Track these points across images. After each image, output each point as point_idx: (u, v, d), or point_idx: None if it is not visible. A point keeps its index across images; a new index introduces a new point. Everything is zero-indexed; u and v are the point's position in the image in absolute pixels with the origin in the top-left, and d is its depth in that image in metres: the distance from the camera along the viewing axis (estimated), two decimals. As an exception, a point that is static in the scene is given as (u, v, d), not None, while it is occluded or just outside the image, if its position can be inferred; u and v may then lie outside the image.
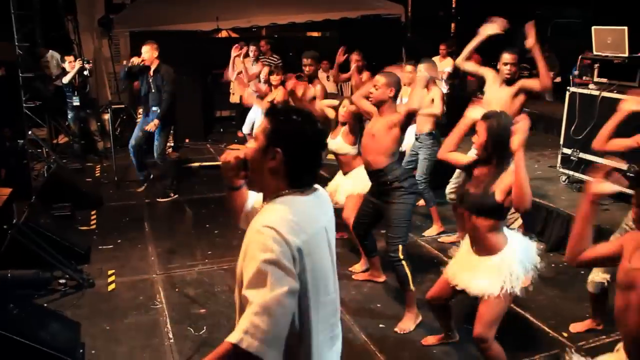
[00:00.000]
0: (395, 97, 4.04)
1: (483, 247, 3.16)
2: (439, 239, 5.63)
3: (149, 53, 6.61)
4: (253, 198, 1.99)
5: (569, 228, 5.12)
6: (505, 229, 3.23)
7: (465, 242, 3.35)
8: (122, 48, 9.95)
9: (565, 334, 3.90)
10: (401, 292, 4.49)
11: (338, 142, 4.78)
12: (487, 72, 4.89)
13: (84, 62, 8.18)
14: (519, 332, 3.94)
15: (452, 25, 14.95)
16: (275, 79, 6.71)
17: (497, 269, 3.10)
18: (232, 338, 1.56)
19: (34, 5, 8.79)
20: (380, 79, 4.00)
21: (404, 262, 3.99)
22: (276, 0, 10.25)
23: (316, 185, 1.82)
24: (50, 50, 9.15)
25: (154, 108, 6.66)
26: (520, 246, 3.19)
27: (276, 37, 11.42)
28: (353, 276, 4.80)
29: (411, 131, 5.95)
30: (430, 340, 3.84)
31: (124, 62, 7.30)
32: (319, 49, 10.91)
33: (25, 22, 8.75)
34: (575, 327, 3.95)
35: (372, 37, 9.85)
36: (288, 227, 1.61)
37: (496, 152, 3.06)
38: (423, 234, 5.72)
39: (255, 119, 7.51)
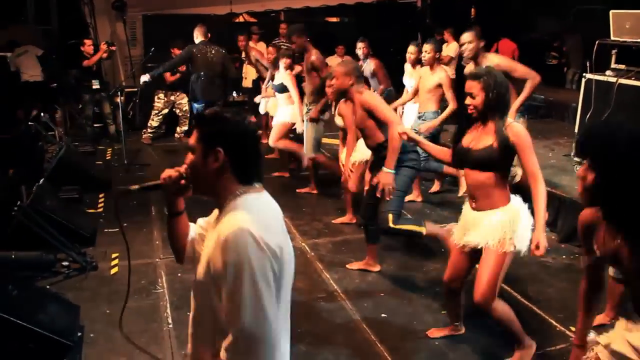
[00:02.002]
0: (357, 83, 4.09)
1: (487, 203, 3.08)
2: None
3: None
4: (194, 226, 1.99)
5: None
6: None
7: (466, 205, 3.26)
8: (136, 32, 9.94)
9: (573, 328, 3.79)
10: (404, 281, 4.46)
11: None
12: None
13: (108, 45, 8.18)
14: (524, 325, 3.82)
15: (472, 10, 14.70)
16: (297, 68, 6.61)
17: (501, 222, 3.03)
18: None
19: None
20: (337, 68, 4.13)
21: (398, 226, 4.02)
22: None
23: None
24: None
25: None
26: (523, 206, 3.10)
27: (290, 22, 11.35)
28: (347, 265, 4.72)
29: (412, 110, 5.91)
30: (435, 332, 3.75)
31: None
32: (336, 34, 10.90)
33: (41, 5, 8.80)
34: None
35: (389, 23, 9.74)
36: (265, 230, 1.63)
37: (498, 108, 2.97)
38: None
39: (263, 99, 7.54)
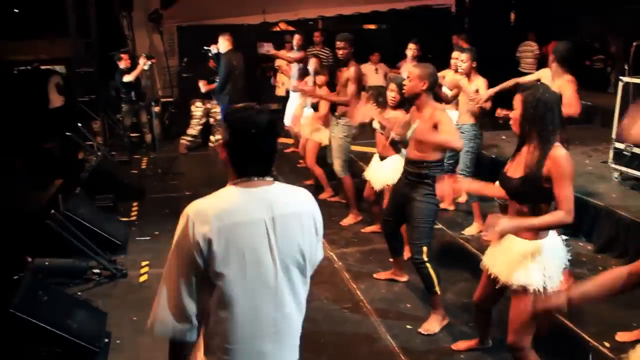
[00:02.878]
0: (430, 89, 3.86)
1: (523, 234, 2.85)
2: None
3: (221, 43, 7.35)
4: None
5: (619, 227, 4.82)
6: None
7: None
8: (165, 41, 10.15)
9: (607, 344, 3.64)
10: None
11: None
12: (540, 74, 4.67)
13: (148, 58, 8.36)
14: (555, 339, 3.72)
15: (512, 15, 14.46)
16: (320, 79, 6.56)
17: (532, 257, 2.81)
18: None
19: (89, 2, 9.07)
20: (412, 70, 3.86)
21: (428, 265, 3.83)
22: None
23: (269, 179, 1.84)
24: None
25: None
26: (558, 242, 2.90)
27: (329, 29, 11.38)
28: (374, 275, 4.68)
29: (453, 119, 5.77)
30: (461, 345, 3.67)
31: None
32: (372, 41, 10.87)
33: (81, 19, 9.06)
34: (622, 337, 3.67)
35: (423, 29, 9.65)
36: (201, 217, 1.70)
37: (536, 128, 2.75)
38: (462, 231, 5.51)
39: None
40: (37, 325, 3.36)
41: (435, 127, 3.72)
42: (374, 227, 5.59)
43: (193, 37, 8.52)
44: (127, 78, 8.12)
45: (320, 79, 6.37)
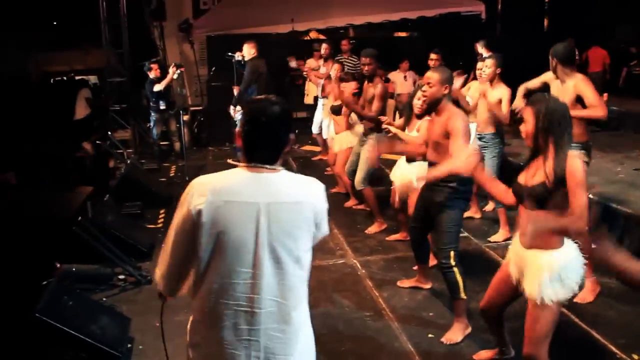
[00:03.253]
0: (450, 94, 3.83)
1: (538, 242, 2.81)
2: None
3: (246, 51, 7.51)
4: None
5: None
6: None
7: (516, 239, 3.00)
8: (202, 52, 10.31)
9: (636, 356, 3.53)
10: (455, 301, 4.30)
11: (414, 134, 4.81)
12: (545, 77, 4.54)
13: (177, 67, 8.50)
14: (581, 350, 3.63)
15: (545, 21, 14.26)
16: (350, 86, 6.49)
17: (549, 269, 2.76)
18: None
19: (122, 13, 9.31)
20: (433, 75, 3.82)
21: (455, 269, 3.79)
22: (352, 0, 10.19)
23: (278, 168, 1.94)
24: None
25: None
26: (576, 250, 2.83)
27: (359, 37, 11.40)
28: (398, 283, 4.64)
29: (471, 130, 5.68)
30: (482, 355, 3.60)
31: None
32: (402, 49, 10.85)
33: (113, 29, 9.29)
34: None
35: (454, 36, 9.58)
36: (200, 189, 1.86)
37: (553, 137, 2.73)
38: (489, 239, 5.43)
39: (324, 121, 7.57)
40: (61, 330, 3.43)
41: (446, 135, 3.70)
42: (399, 235, 5.55)
43: (222, 47, 8.60)
44: (157, 87, 8.24)
45: (350, 85, 6.30)
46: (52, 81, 15.42)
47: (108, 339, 3.62)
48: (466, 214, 5.87)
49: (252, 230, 1.84)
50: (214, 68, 8.60)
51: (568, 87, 4.15)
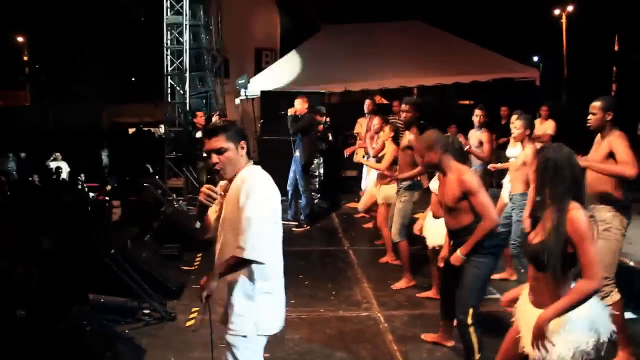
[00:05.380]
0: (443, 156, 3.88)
1: (543, 301, 2.68)
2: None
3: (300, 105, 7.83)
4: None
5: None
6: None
7: (524, 294, 2.89)
8: (255, 107, 10.73)
9: None
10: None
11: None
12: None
13: (221, 117, 8.91)
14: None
15: (613, 86, 14.00)
16: (386, 134, 6.66)
17: (557, 332, 2.60)
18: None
19: (184, 69, 9.90)
20: (418, 145, 4.03)
21: (471, 329, 3.67)
22: (405, 63, 10.42)
23: None
24: None
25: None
26: (592, 308, 2.64)
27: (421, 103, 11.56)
28: (422, 336, 4.52)
29: (505, 192, 5.59)
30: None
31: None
32: (453, 112, 10.88)
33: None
34: None
35: (508, 101, 9.56)
36: (273, 187, 2.73)
37: (548, 189, 2.67)
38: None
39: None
40: (77, 353, 3.57)
41: (464, 196, 3.69)
42: (430, 293, 5.42)
43: (276, 102, 8.97)
44: (198, 134, 8.62)
45: (386, 134, 6.43)
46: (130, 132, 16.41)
47: (120, 367, 3.72)
48: (500, 276, 5.74)
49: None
50: (262, 121, 8.91)
51: (604, 143, 4.05)
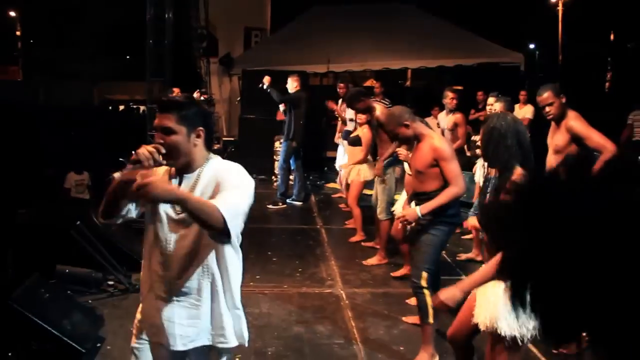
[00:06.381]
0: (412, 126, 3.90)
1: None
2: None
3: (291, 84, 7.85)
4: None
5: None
6: None
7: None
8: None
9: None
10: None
11: None
12: None
13: (202, 94, 8.91)
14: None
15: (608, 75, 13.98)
16: (360, 117, 6.68)
17: (505, 299, 2.63)
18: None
19: (167, 46, 9.86)
20: (387, 122, 4.11)
21: (425, 291, 3.72)
22: (390, 45, 10.40)
23: None
24: None
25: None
26: None
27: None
28: (403, 318, 4.51)
29: (478, 174, 5.66)
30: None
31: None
32: (437, 96, 10.90)
33: (159, 61, 9.84)
34: None
35: (492, 86, 9.57)
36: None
37: (494, 157, 2.81)
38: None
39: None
40: (30, 320, 3.63)
41: (436, 163, 3.73)
42: (404, 270, 5.43)
43: (257, 81, 8.98)
44: None
45: (361, 117, 6.44)
46: (110, 108, 16.37)
47: (76, 334, 3.78)
48: (467, 256, 5.82)
49: None
50: (238, 99, 8.93)
51: (562, 128, 4.10)
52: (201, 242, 2.23)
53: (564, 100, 4.04)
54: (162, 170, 2.33)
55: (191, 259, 2.24)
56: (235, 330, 2.36)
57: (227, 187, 2.16)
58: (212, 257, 2.26)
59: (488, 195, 2.95)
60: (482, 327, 2.80)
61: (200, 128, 2.22)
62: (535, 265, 0.88)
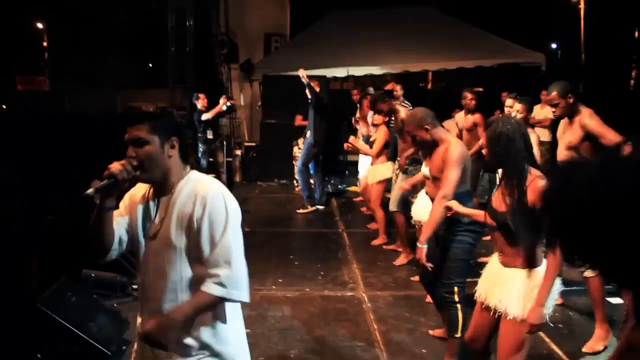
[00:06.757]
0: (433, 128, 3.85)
1: (514, 260, 2.81)
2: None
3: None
4: (121, 218, 2.20)
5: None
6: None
7: (494, 256, 2.98)
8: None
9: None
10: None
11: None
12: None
13: (228, 99, 8.95)
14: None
15: (633, 73, 13.79)
16: (377, 118, 6.68)
17: (524, 286, 2.76)
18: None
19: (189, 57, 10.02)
20: (408, 127, 3.97)
21: (458, 306, 3.68)
22: (410, 47, 10.39)
23: None
24: None
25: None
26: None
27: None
28: (430, 332, 4.41)
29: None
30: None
31: None
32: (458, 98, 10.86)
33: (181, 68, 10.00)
34: None
35: (513, 87, 9.50)
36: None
37: (501, 163, 2.81)
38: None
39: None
40: (58, 322, 3.71)
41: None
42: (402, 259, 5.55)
43: (277, 87, 9.05)
44: (205, 116, 8.52)
45: (378, 118, 6.39)
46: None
47: (102, 337, 3.85)
48: (486, 259, 5.76)
49: None
50: (259, 104, 9.00)
51: (575, 124, 4.08)
52: (172, 266, 2.10)
53: (571, 100, 4.01)
54: (141, 189, 2.21)
55: (163, 280, 2.10)
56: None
57: (215, 231, 2.02)
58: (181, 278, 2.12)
59: (494, 196, 2.94)
60: (491, 306, 2.87)
61: (174, 138, 2.09)
62: None
